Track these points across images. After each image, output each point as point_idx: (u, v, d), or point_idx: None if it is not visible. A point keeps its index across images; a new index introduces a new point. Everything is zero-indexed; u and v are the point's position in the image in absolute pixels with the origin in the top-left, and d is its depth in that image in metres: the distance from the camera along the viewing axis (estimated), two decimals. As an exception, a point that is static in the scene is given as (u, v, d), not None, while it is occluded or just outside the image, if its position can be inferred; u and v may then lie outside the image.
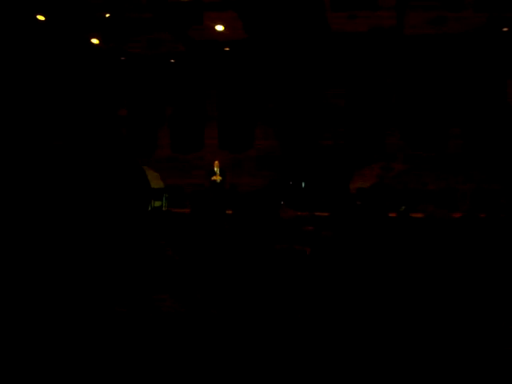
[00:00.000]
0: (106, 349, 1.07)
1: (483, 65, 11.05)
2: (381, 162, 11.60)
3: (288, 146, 12.23)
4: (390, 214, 5.63)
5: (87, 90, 12.86)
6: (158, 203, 11.84)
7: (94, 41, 11.37)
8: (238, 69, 12.47)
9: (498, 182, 10.68)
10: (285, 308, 2.12)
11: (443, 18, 9.74)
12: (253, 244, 2.61)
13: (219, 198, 10.78)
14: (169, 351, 1.17)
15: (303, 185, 11.25)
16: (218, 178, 11.08)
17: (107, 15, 9.87)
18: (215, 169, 11.14)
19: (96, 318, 1.10)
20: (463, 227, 3.60)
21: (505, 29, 10.09)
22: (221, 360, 1.39)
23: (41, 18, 10.07)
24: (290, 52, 11.59)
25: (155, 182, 12.22)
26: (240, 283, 2.22)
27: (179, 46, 11.72)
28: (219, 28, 10.56)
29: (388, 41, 10.97)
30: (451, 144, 11.29)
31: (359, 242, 3.24)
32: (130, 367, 1.07)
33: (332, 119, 11.99)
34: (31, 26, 10.32)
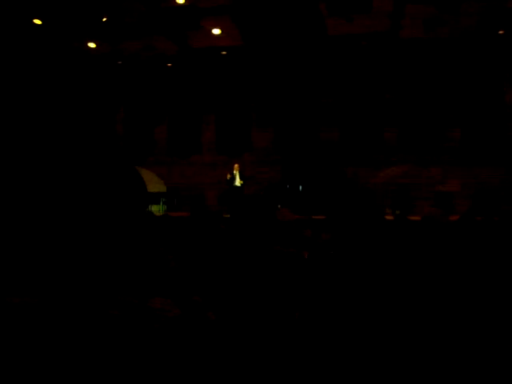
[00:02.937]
0: (100, 352, 1.07)
1: (481, 67, 11.10)
2: (379, 164, 11.63)
3: (285, 150, 12.25)
4: (387, 217, 5.64)
5: (84, 94, 12.86)
6: (155, 207, 11.84)
7: (91, 45, 11.39)
8: (234, 72, 12.49)
9: (497, 183, 10.71)
10: (282, 311, 2.12)
11: (440, 20, 9.81)
12: (250, 247, 2.61)
13: (239, 201, 10.57)
14: (166, 354, 1.17)
15: (300, 188, 11.24)
16: (238, 182, 10.88)
17: (104, 19, 9.90)
18: (234, 172, 10.98)
19: (91, 321, 1.10)
20: (460, 230, 3.61)
21: (501, 31, 10.17)
22: (218, 363, 1.39)
23: (38, 22, 10.09)
24: (287, 54, 11.62)
25: (156, 185, 12.21)
26: (237, 286, 2.22)
27: (176, 49, 11.76)
28: (216, 32, 10.60)
29: (384, 44, 11.03)
30: (449, 145, 11.32)
31: (356, 245, 3.24)
32: (126, 371, 1.07)
33: (329, 122, 12.02)
34: (28, 30, 10.34)
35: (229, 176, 10.80)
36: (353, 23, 9.81)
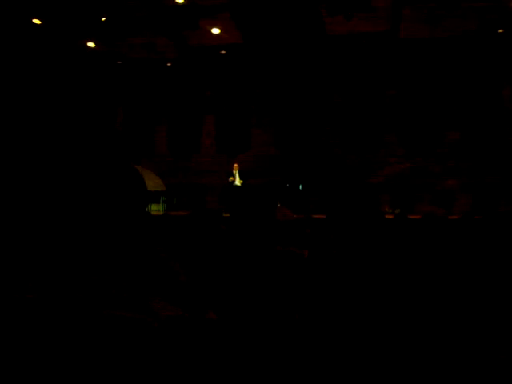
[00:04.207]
0: (98, 352, 1.06)
1: (479, 66, 11.10)
2: (378, 164, 11.63)
3: (285, 149, 12.25)
4: (387, 216, 5.63)
5: (84, 93, 12.86)
6: (155, 206, 11.85)
7: (91, 44, 11.38)
8: (234, 71, 12.49)
9: (496, 184, 10.71)
10: (282, 310, 2.12)
11: (439, 18, 9.82)
12: (250, 246, 2.61)
13: (238, 201, 10.56)
14: (165, 353, 1.17)
15: (300, 187, 11.25)
16: (238, 182, 10.86)
17: (103, 19, 9.89)
18: (234, 172, 10.97)
19: (91, 322, 1.10)
20: (460, 229, 3.61)
21: (500, 30, 10.17)
22: (218, 363, 1.39)
23: (37, 21, 10.08)
24: (287, 54, 11.62)
25: (156, 184, 12.22)
26: (237, 286, 2.22)
27: (175, 49, 11.75)
28: (215, 31, 10.59)
29: (384, 43, 11.03)
30: (448, 146, 11.33)
31: (356, 244, 3.24)
32: (125, 371, 1.07)
33: (329, 121, 12.02)
34: (27, 29, 10.33)
35: (231, 178, 10.81)
36: (352, 22, 9.81)
